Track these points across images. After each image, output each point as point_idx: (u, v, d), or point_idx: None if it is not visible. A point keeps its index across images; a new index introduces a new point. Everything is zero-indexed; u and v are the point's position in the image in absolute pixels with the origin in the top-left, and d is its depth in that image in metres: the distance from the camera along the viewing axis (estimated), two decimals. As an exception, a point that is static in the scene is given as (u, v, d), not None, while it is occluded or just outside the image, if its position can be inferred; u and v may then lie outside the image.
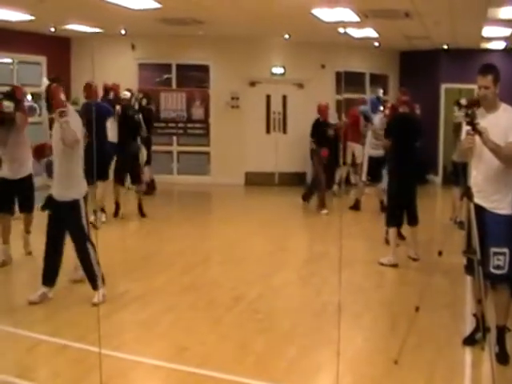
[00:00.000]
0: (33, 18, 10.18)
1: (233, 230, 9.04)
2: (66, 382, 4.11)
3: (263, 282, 6.57)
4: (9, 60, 12.09)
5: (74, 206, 5.48)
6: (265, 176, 13.35)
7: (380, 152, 8.88)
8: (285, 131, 13.63)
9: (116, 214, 9.35)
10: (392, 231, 7.18)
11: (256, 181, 13.34)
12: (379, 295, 6.26)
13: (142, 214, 9.53)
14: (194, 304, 5.77)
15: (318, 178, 10.46)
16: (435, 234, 8.08)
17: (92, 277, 5.56)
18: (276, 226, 9.62)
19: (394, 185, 7.21)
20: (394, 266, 7.00)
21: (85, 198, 5.61)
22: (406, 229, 7.54)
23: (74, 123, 5.40)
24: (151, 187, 11.83)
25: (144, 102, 11.70)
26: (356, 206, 10.39)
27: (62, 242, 5.62)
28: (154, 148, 12.06)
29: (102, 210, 8.97)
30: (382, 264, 7.06)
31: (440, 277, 6.16)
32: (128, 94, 9.90)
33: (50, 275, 5.61)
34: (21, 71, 12.27)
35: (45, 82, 5.44)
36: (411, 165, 7.22)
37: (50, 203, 5.57)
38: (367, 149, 9.99)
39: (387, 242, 7.59)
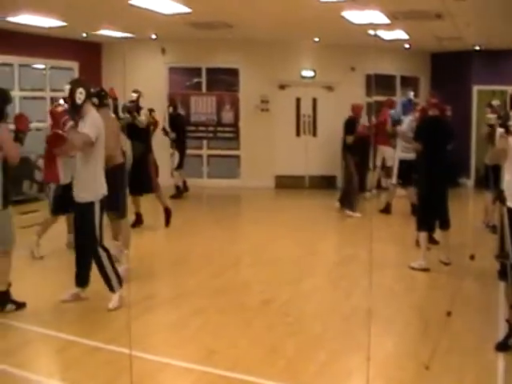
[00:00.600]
0: (65, 24, 10.33)
1: (263, 233, 9.04)
2: (97, 383, 4.15)
3: (293, 285, 6.55)
4: (42, 65, 12.29)
5: (88, 208, 5.48)
6: (295, 179, 13.33)
7: (411, 155, 8.80)
8: (315, 134, 13.60)
9: (134, 225, 8.72)
10: (423, 235, 7.10)
11: (286, 184, 13.33)
12: (410, 299, 6.20)
13: (166, 222, 9.04)
14: (223, 307, 5.78)
15: (351, 180, 10.38)
16: (467, 237, 7.96)
17: (106, 281, 5.59)
18: (306, 229, 9.59)
19: (424, 188, 7.14)
20: (425, 270, 6.92)
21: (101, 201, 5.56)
22: (437, 232, 7.46)
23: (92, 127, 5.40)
24: (182, 190, 11.94)
25: (171, 109, 11.82)
26: (387, 209, 10.31)
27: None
28: (183, 152, 12.17)
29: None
30: (413, 268, 6.99)
31: (472, 281, 6.08)
32: (134, 96, 9.29)
33: (81, 276, 5.68)
34: (53, 76, 12.48)
35: (66, 87, 5.45)
36: (442, 168, 7.13)
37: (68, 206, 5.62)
38: (398, 152, 9.91)
39: (418, 245, 7.51)
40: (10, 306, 5.48)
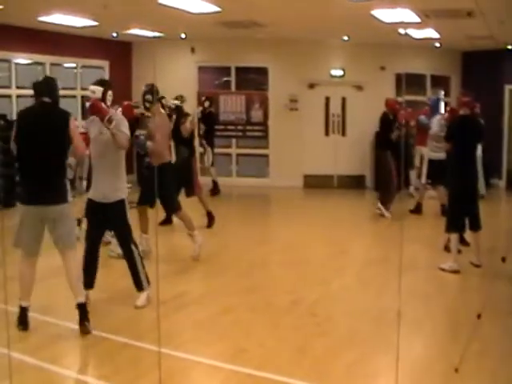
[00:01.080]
0: (96, 23, 10.44)
1: (291, 233, 9.03)
2: (126, 379, 4.19)
3: (322, 285, 6.54)
4: (73, 64, 12.43)
5: (121, 205, 5.52)
6: (323, 179, 13.29)
7: (441, 155, 8.71)
8: (344, 134, 13.54)
9: (163, 223, 9.02)
10: (453, 237, 7.02)
11: (314, 183, 13.30)
12: (440, 301, 6.14)
13: (209, 224, 9.07)
14: (252, 306, 5.79)
15: (391, 179, 10.16)
16: (498, 239, 7.87)
17: (136, 278, 5.60)
18: (335, 229, 9.56)
19: (455, 189, 7.05)
20: (456, 272, 6.85)
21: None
22: (468, 234, 7.37)
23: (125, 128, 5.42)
24: (218, 186, 12.08)
25: (207, 104, 11.87)
26: (417, 210, 10.20)
27: (99, 246, 5.71)
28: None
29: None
30: (443, 270, 6.91)
31: (503, 283, 6.01)
32: (176, 102, 9.15)
33: (88, 279, 5.59)
34: (84, 75, 12.62)
35: (97, 89, 5.42)
36: (473, 168, 7.05)
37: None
38: (428, 151, 9.82)
39: (446, 248, 7.43)
40: None
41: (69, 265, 5.09)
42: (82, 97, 12.57)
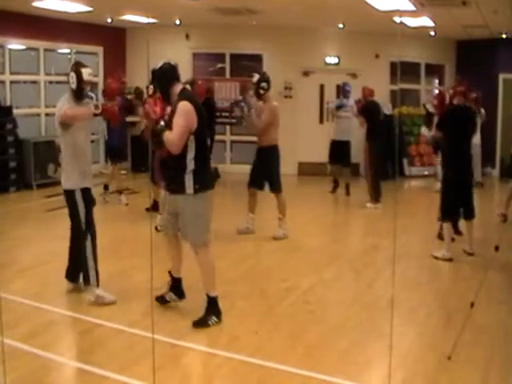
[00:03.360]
0: (91, 9, 10.37)
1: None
2: (120, 365, 4.20)
3: (315, 273, 6.55)
4: (67, 50, 12.36)
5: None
6: (318, 166, 13.27)
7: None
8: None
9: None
10: (446, 226, 7.03)
11: (309, 171, 13.30)
12: (433, 290, 6.17)
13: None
14: (245, 294, 5.81)
15: (368, 172, 10.30)
16: (492, 228, 7.91)
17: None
18: (329, 217, 9.57)
19: (448, 179, 7.05)
20: (449, 260, 6.88)
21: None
22: (462, 223, 7.40)
23: None
24: (218, 174, 12.05)
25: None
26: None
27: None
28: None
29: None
30: (436, 258, 6.94)
31: (496, 272, 6.04)
32: None
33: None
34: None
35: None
36: (467, 158, 7.05)
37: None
38: None
39: (440, 236, 7.47)
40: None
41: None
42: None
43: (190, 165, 4.85)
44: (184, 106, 4.82)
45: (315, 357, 4.46)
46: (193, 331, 4.87)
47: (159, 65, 5.15)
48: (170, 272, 5.34)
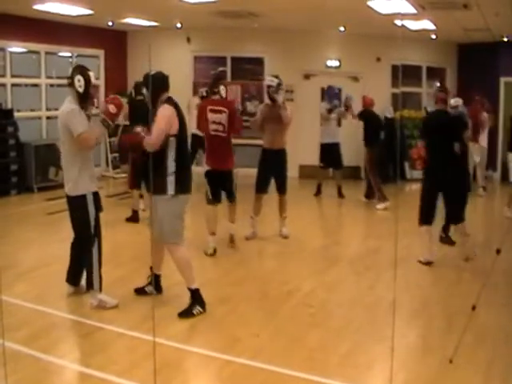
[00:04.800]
0: (92, 12, 10.37)
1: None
2: (120, 368, 4.19)
3: (317, 276, 6.55)
4: (68, 53, 12.37)
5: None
6: (319, 169, 13.25)
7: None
8: (339, 124, 13.48)
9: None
10: (424, 229, 6.96)
11: (310, 174, 13.27)
12: (435, 292, 6.16)
13: None
14: (247, 296, 5.80)
15: (368, 176, 10.49)
16: (493, 231, 7.89)
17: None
18: (330, 220, 9.55)
19: (425, 183, 6.98)
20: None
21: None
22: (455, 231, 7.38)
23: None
24: None
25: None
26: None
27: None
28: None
29: None
30: (420, 262, 6.91)
31: (498, 275, 6.02)
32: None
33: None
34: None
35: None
36: (450, 163, 6.82)
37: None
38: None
39: (441, 239, 7.51)
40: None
41: None
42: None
43: (171, 167, 5.10)
44: (165, 110, 5.11)
45: (316, 359, 4.45)
46: (194, 334, 4.87)
47: (153, 72, 5.39)
48: (151, 268, 5.57)
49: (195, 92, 12.35)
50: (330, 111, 11.18)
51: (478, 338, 4.73)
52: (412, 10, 9.40)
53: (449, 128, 6.94)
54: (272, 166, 7.96)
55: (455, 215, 7.04)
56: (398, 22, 10.68)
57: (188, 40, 13.43)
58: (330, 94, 11.40)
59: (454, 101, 8.48)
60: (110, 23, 12.00)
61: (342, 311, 5.52)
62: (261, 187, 8.05)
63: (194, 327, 5.05)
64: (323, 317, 5.38)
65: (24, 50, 11.43)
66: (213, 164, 7.20)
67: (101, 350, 4.57)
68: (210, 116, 7.06)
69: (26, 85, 11.64)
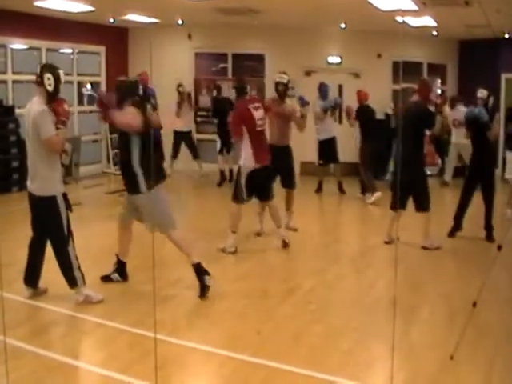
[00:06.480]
0: (93, 9, 10.36)
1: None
2: (122, 365, 4.20)
3: (318, 273, 6.55)
4: (69, 50, 12.36)
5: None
6: (319, 167, 13.25)
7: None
8: (340, 121, 13.48)
9: None
10: (392, 215, 7.45)
11: (311, 171, 13.25)
12: (435, 289, 6.16)
13: None
14: (247, 293, 5.80)
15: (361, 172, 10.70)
16: (495, 227, 7.89)
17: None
18: (331, 217, 9.54)
19: (395, 173, 7.35)
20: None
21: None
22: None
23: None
24: (224, 177, 11.92)
25: (215, 93, 11.84)
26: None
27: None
28: (208, 136, 12.68)
29: None
30: (386, 242, 7.44)
31: (499, 272, 6.01)
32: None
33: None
34: (80, 61, 12.56)
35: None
36: (413, 153, 7.11)
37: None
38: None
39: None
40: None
41: None
42: (79, 82, 12.55)
43: (138, 165, 5.40)
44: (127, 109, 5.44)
45: (317, 357, 4.45)
46: (194, 331, 4.87)
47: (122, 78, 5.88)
48: (117, 255, 5.91)
49: (196, 89, 12.32)
50: (325, 111, 11.09)
51: (479, 335, 4.73)
52: (413, 6, 9.37)
53: (416, 119, 7.14)
54: (280, 162, 7.93)
55: (421, 203, 7.31)
56: (399, 19, 10.66)
57: (189, 37, 13.39)
58: (323, 92, 11.32)
59: (480, 92, 8.31)
60: (112, 20, 11.98)
61: (343, 308, 5.53)
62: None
63: (194, 324, 5.07)
64: (324, 314, 5.38)
65: (25, 46, 11.42)
66: (263, 160, 7.17)
67: (102, 346, 4.58)
68: (255, 114, 7.13)
69: (27, 81, 11.63)
